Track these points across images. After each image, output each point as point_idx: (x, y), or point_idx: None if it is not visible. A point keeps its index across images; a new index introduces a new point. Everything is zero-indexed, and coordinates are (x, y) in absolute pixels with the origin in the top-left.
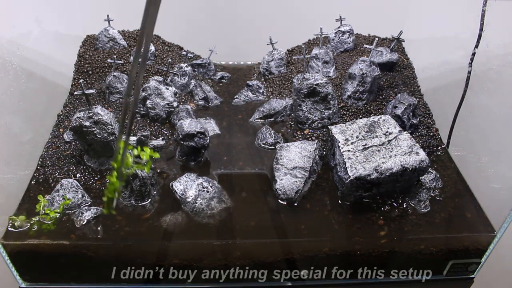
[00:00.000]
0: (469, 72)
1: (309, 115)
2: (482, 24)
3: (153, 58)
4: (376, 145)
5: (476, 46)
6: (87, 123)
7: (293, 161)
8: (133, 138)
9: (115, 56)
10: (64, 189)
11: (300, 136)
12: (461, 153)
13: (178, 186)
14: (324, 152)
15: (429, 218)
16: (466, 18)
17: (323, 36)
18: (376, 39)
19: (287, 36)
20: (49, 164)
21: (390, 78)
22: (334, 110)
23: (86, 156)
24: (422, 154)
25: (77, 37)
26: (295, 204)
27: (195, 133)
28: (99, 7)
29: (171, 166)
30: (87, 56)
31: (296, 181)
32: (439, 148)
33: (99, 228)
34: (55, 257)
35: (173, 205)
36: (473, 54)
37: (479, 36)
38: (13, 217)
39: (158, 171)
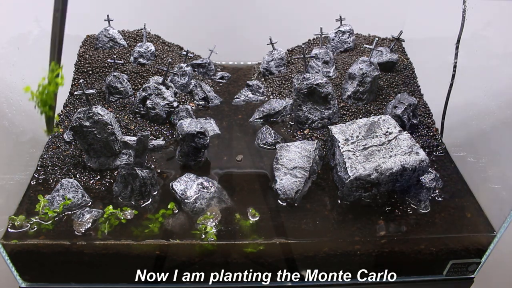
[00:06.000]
0: (455, 66)
1: (309, 115)
2: (463, 18)
3: (153, 58)
4: (376, 145)
5: (458, 40)
6: (87, 123)
7: (293, 161)
8: (133, 138)
9: (115, 56)
10: (64, 189)
11: (300, 136)
12: (461, 153)
13: (178, 186)
14: (324, 152)
15: (429, 218)
16: (466, 18)
17: (323, 36)
18: (376, 39)
19: (287, 36)
20: (49, 164)
21: (390, 78)
22: (334, 110)
23: (86, 156)
24: (422, 154)
25: (77, 37)
26: (295, 204)
27: (195, 133)
28: (99, 7)
29: (171, 166)
30: (87, 56)
31: (296, 181)
32: (439, 148)
33: (99, 229)
34: (55, 257)
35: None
36: (457, 48)
37: (461, 30)
38: (13, 217)
39: (158, 171)
